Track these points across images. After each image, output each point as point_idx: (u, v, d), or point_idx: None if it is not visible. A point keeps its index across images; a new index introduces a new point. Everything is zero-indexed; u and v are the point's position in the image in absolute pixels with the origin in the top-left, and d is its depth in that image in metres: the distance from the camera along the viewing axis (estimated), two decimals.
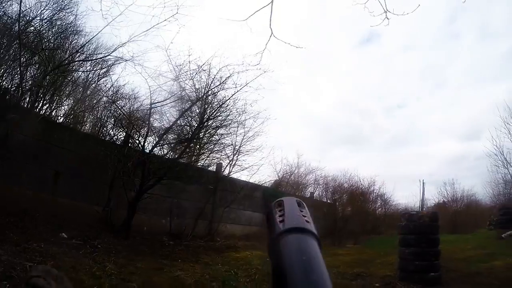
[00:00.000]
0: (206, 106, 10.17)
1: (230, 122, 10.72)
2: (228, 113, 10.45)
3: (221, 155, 11.07)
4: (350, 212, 17.59)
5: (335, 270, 7.23)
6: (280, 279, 0.45)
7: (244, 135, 11.25)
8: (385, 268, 7.61)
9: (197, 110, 10.34)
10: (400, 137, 59.01)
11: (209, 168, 11.16)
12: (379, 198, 21.81)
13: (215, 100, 10.20)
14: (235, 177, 11.43)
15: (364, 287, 6.14)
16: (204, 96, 9.94)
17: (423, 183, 7.89)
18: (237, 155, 11.25)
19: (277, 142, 39.72)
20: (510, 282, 6.35)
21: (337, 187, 18.04)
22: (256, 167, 11.67)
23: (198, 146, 11.08)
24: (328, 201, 18.06)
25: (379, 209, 21.42)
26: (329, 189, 18.16)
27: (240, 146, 11.18)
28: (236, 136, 11.17)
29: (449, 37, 56.20)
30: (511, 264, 7.61)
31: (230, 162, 11.11)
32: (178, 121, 9.95)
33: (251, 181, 12.02)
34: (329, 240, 13.98)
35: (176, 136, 10.25)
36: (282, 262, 0.47)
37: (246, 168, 11.42)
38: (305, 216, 0.56)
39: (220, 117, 10.41)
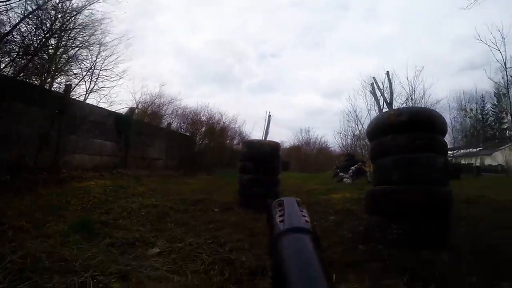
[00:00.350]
0: (64, 16, 8.80)
1: (94, 42, 9.65)
2: (89, 31, 9.31)
3: (74, 77, 9.97)
4: (207, 145, 18.15)
5: (179, 196, 7.33)
6: (279, 279, 0.45)
7: (103, 57, 10.27)
8: (229, 196, 7.97)
9: (49, 20, 8.96)
10: (268, 83, 62.12)
11: (57, 90, 9.90)
12: (237, 135, 23.28)
13: (70, 8, 8.89)
14: (88, 102, 10.42)
15: (201, 211, 6.31)
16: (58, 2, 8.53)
17: (269, 115, 8.39)
18: (94, 79, 10.30)
19: (142, 70, 38.29)
20: (343, 211, 7.26)
21: (196, 120, 18.11)
22: (111, 92, 10.91)
23: (45, 63, 9.76)
24: (186, 133, 17.99)
25: (237, 145, 22.75)
26: (188, 121, 18.13)
27: (99, 70, 10.26)
28: (96, 58, 10.14)
29: (338, 6, 59.29)
30: (348, 198, 8.78)
31: (84, 85, 10.12)
32: (22, 28, 8.47)
33: (105, 107, 10.99)
34: (183, 171, 14.15)
35: (18, 47, 8.78)
36: (282, 262, 0.46)
37: (98, 90, 10.52)
38: (305, 216, 0.56)
39: (77, 31, 9.24)
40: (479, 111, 51.03)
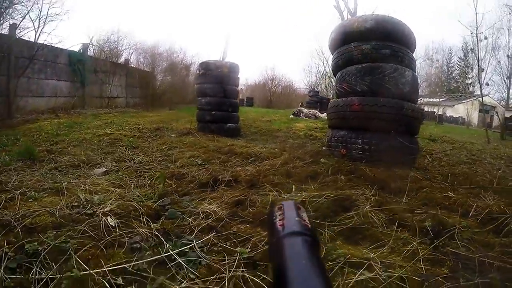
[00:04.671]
0: None
1: None
2: None
3: (20, 16, 9.22)
4: (169, 82, 17.38)
5: (136, 126, 7.05)
6: (280, 283, 0.45)
7: None
8: (189, 124, 7.69)
9: None
10: None
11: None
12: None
13: None
14: (37, 41, 9.64)
15: (156, 136, 6.10)
16: None
17: (229, 34, 7.97)
18: (44, 18, 9.58)
19: (95, 4, 36.66)
20: (307, 136, 7.44)
21: (156, 55, 17.19)
22: (62, 30, 10.18)
23: None
24: (146, 69, 17.06)
25: None
26: (148, 57, 17.20)
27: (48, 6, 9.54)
28: None
29: None
30: (311, 126, 8.95)
31: (31, 25, 9.39)
32: None
33: (56, 45, 9.89)
34: (143, 107, 13.80)
35: None
36: (282, 266, 0.46)
37: (47, 31, 9.76)
38: (304, 220, 0.56)
39: None
40: (445, 63, 51.49)
